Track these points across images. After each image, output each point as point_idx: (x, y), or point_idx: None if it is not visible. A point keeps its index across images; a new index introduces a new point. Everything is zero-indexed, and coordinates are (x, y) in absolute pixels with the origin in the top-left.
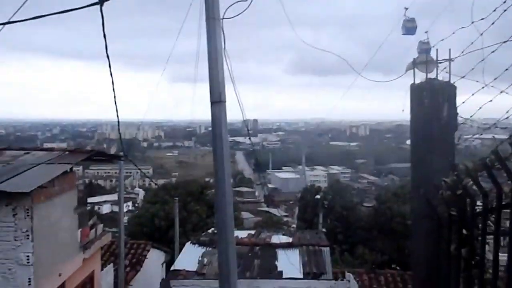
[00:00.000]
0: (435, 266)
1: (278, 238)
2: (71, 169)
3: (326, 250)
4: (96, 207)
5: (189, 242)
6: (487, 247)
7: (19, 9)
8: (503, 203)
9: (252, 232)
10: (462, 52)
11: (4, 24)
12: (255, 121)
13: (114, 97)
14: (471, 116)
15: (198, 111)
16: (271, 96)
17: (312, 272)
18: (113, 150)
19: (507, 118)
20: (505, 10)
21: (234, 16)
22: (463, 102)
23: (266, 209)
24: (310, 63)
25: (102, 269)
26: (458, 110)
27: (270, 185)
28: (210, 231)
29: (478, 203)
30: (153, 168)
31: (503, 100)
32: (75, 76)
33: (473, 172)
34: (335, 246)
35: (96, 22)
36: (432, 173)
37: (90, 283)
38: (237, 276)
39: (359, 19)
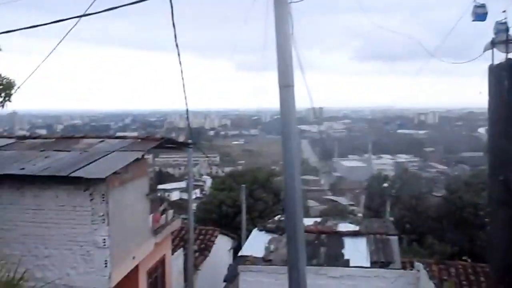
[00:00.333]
0: None
1: (344, 226)
2: (143, 156)
3: (394, 239)
4: (165, 194)
5: (256, 228)
6: None
7: (93, 2)
8: None
9: (318, 220)
10: None
11: (80, 16)
12: (321, 109)
13: (183, 85)
14: None
15: (264, 99)
16: (336, 84)
17: (379, 261)
18: (181, 139)
19: None
20: None
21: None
22: None
23: (332, 197)
24: (377, 50)
25: (172, 254)
26: None
27: (335, 174)
28: (276, 218)
29: None
30: (220, 156)
31: None
32: (145, 67)
33: None
34: (403, 235)
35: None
36: None
37: (162, 266)
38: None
39: (428, 4)
